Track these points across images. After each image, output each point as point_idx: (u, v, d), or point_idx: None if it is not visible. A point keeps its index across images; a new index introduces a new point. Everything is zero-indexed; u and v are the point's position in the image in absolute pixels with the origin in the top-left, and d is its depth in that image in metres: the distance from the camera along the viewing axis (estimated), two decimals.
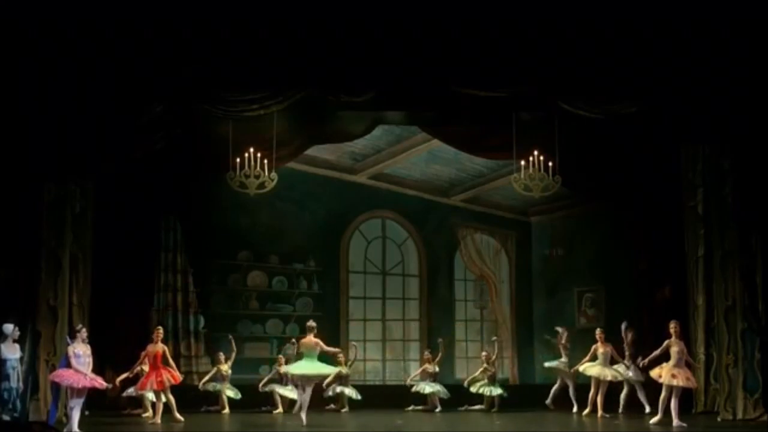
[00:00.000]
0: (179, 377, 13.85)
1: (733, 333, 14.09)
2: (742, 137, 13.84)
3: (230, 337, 15.58)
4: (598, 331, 14.93)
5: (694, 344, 14.50)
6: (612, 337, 14.87)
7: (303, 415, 13.31)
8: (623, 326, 14.70)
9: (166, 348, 13.89)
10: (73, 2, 13.13)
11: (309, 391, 13.50)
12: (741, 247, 14.08)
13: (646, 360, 13.60)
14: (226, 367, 15.34)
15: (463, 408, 15.81)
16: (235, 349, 15.35)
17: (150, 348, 13.73)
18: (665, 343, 13.30)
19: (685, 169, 14.81)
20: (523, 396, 16.22)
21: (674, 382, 13.03)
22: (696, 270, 14.59)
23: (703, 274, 14.50)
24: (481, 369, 15.87)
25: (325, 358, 13.93)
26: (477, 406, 15.80)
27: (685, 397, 14.01)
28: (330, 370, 14.32)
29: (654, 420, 13.33)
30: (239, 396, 15.42)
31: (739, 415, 13.85)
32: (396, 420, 14.47)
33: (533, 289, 18.92)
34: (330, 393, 15.71)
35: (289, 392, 15.31)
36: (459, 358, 18.51)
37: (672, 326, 13.30)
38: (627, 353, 14.61)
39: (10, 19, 13.01)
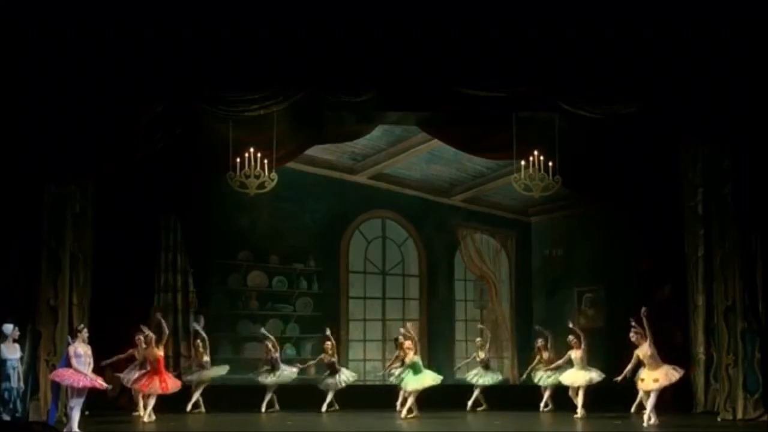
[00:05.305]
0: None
1: (733, 333, 14.08)
2: (742, 137, 13.84)
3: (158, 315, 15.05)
4: (570, 337, 14.78)
5: (694, 344, 14.52)
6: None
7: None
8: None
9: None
10: (72, 2, 13.14)
11: None
12: (741, 247, 14.08)
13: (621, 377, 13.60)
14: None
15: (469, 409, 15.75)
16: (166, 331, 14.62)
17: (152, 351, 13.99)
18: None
19: (685, 169, 14.82)
20: (523, 396, 16.17)
21: (656, 386, 13.09)
22: (696, 270, 14.60)
23: (703, 274, 14.52)
24: (474, 355, 16.05)
25: None
26: (480, 408, 15.75)
27: (685, 396, 14.04)
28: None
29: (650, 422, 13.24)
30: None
31: (739, 415, 13.84)
32: (396, 420, 14.45)
33: (533, 289, 18.89)
34: (320, 386, 15.65)
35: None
36: (459, 358, 18.47)
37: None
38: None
39: (10, 19, 13.01)
